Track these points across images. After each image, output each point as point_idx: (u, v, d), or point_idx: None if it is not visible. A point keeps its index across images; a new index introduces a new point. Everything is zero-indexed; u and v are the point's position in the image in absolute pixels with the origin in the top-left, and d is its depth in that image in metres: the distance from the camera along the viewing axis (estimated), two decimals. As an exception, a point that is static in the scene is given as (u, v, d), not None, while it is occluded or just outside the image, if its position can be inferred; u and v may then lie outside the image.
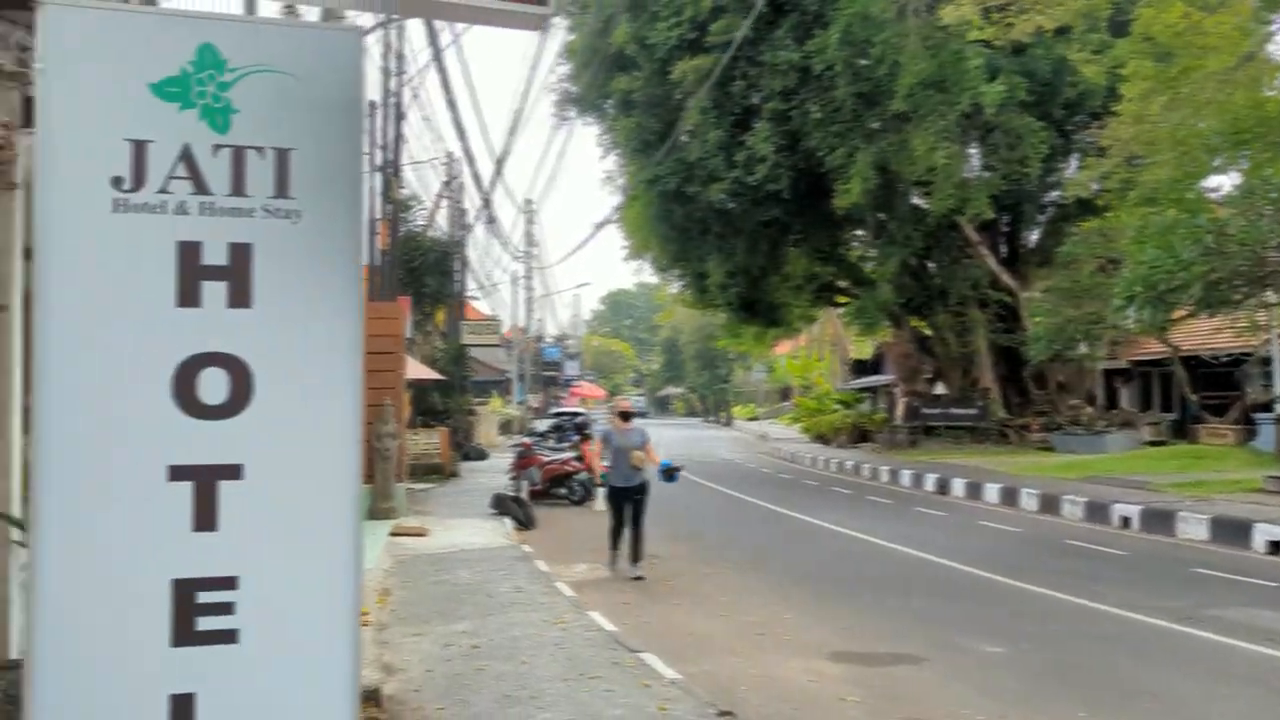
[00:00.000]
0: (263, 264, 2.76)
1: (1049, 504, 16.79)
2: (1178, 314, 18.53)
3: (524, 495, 17.27)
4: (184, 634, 2.64)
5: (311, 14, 12.32)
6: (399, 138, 22.88)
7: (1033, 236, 30.74)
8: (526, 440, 22.99)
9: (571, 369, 75.10)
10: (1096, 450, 23.94)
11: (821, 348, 55.08)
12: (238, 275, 2.73)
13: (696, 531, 15.01)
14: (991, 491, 18.73)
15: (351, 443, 2.81)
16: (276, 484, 2.74)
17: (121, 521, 2.62)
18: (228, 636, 2.68)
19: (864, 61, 23.62)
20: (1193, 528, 13.58)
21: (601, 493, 11.96)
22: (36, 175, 2.62)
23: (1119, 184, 19.17)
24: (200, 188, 2.73)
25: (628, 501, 10.96)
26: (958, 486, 20.04)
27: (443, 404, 27.94)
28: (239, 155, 2.76)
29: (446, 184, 32.54)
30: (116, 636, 2.60)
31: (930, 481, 21.24)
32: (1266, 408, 21.73)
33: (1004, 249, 30.17)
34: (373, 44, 21.15)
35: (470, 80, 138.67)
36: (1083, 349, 25.05)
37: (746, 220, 28.09)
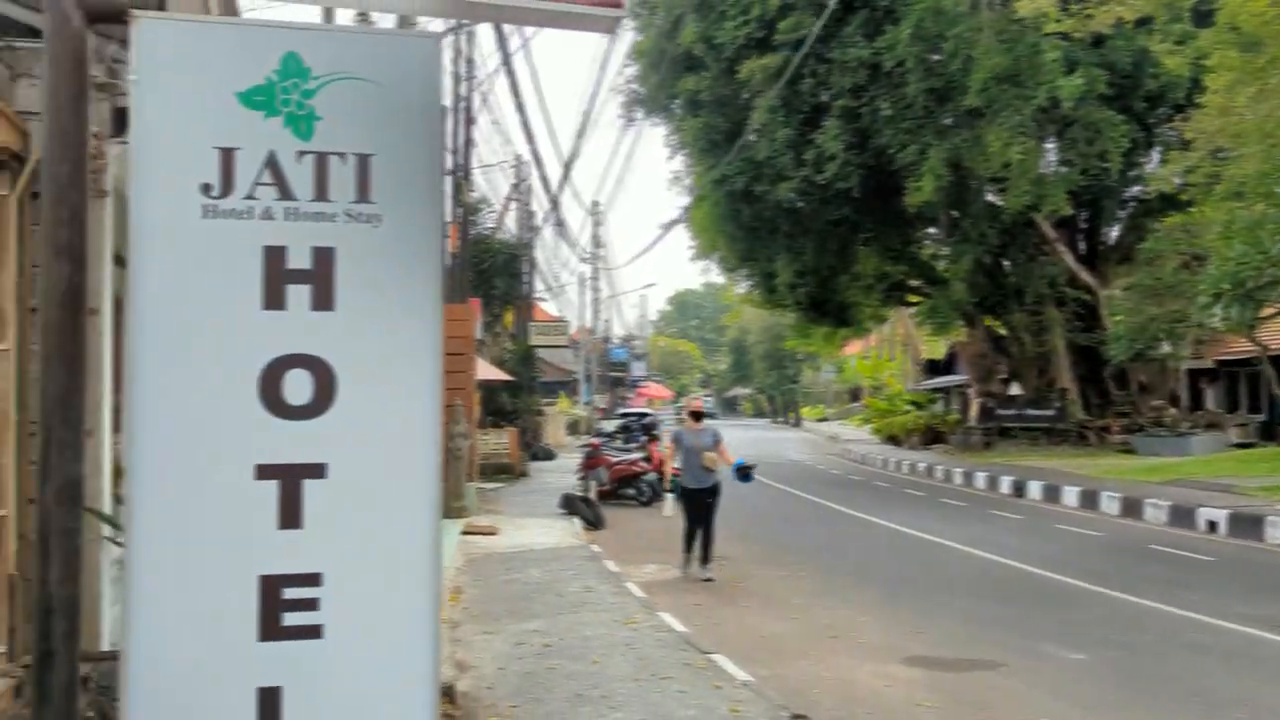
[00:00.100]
0: (345, 267, 2.81)
1: (1131, 507, 16.33)
2: (1266, 311, 17.90)
3: (592, 495, 17.37)
4: (271, 629, 2.71)
5: (386, 21, 12.55)
6: (469, 142, 23.18)
7: (1113, 233, 29.94)
8: (594, 440, 23.11)
9: (638, 370, 75.23)
10: (1180, 452, 23.22)
11: (892, 348, 54.35)
12: (321, 279, 2.80)
13: (767, 533, 14.93)
14: (1070, 494, 18.28)
15: (431, 442, 2.86)
16: (359, 483, 2.79)
17: (211, 519, 2.70)
18: (312, 632, 2.74)
19: (936, 57, 23.25)
20: (1284, 533, 13.10)
21: (670, 498, 11.57)
22: (130, 183, 2.71)
23: (1204, 178, 18.57)
24: (285, 193, 2.79)
25: (699, 503, 10.78)
26: (1034, 489, 19.61)
27: (511, 404, 28.22)
28: (322, 161, 2.82)
29: (515, 187, 32.87)
30: (207, 631, 2.67)
31: (1006, 484, 20.82)
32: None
33: (1082, 246, 29.43)
34: (443, 49, 21.42)
35: (538, 83, 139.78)
36: (1166, 348, 24.33)
37: (815, 219, 27.85)
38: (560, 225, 38.49)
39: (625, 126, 32.56)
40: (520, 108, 68.83)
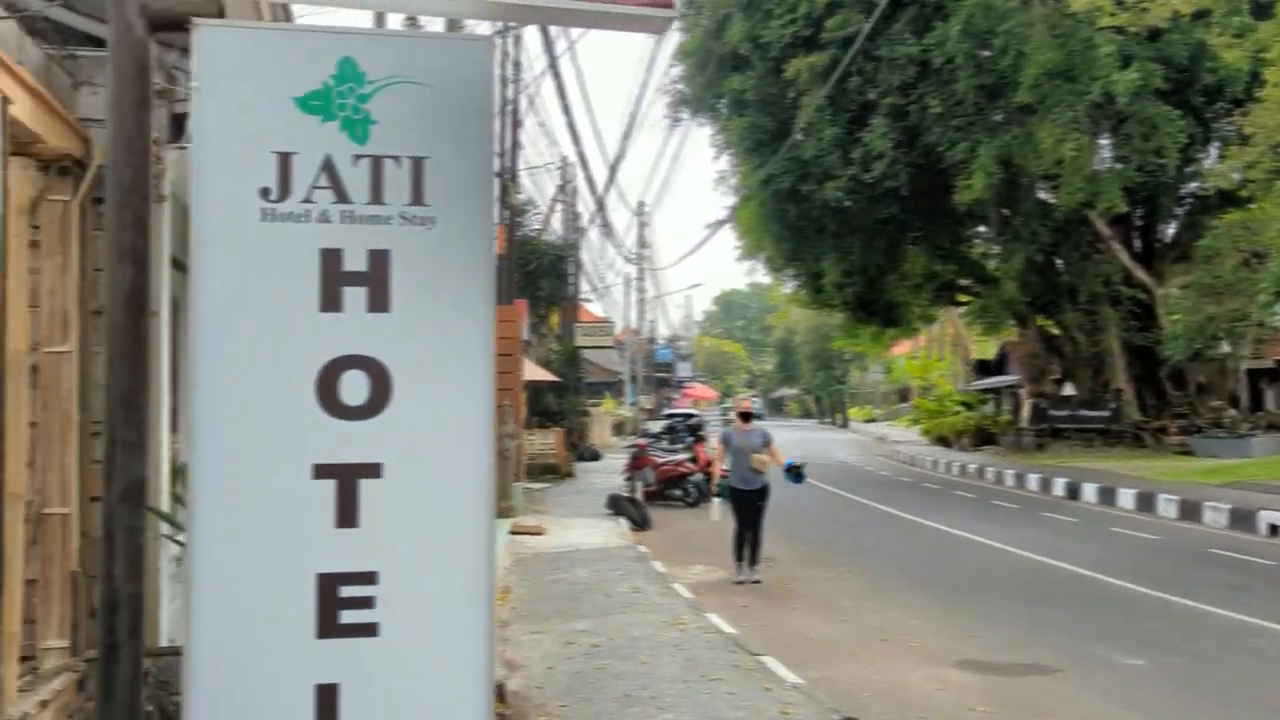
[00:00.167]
0: (400, 269, 2.85)
1: (1189, 510, 15.98)
2: (1331, 310, 17.42)
3: (638, 496, 17.38)
4: (328, 626, 2.75)
5: (435, 24, 12.67)
6: (515, 144, 23.32)
7: (1169, 230, 29.32)
8: (641, 441, 23.12)
9: (684, 370, 75.15)
10: (1240, 454, 22.67)
11: (941, 348, 53.72)
12: (376, 281, 2.83)
13: (815, 535, 14.83)
14: (1126, 497, 17.93)
15: (484, 442, 2.88)
16: (414, 482, 2.82)
17: (271, 517, 2.74)
18: (368, 630, 2.77)
19: (986, 53, 22.95)
20: (1350, 538, 12.74)
21: (718, 502, 11.28)
22: (191, 188, 2.76)
23: (1264, 174, 18.12)
24: (341, 197, 2.83)
25: (749, 505, 10.59)
26: (1089, 491, 19.26)
27: (557, 405, 28.34)
28: (377, 164, 2.85)
29: (561, 188, 33.02)
30: (267, 627, 2.72)
31: (1059, 486, 20.48)
32: None
33: (1138, 243, 28.86)
34: (494, 52, 21.56)
35: (584, 85, 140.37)
36: (1225, 348, 23.78)
37: (863, 218, 27.62)
38: (606, 226, 38.57)
39: (671, 127, 32.53)
40: (566, 109, 69.13)
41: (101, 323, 5.64)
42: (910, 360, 55.79)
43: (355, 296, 2.82)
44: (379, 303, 2.83)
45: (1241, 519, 14.68)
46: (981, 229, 30.62)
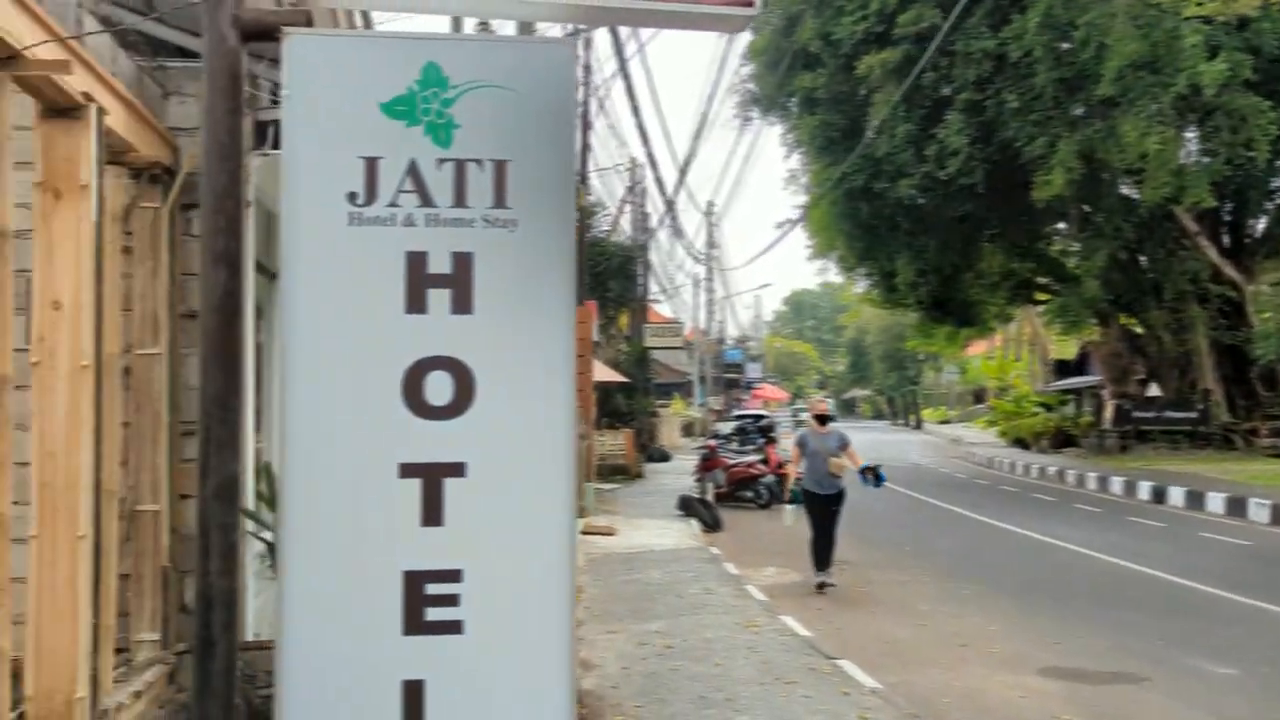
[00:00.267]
0: (483, 271, 2.88)
1: (1283, 516, 15.40)
2: None
3: (709, 497, 17.33)
4: (414, 623, 2.79)
5: (507, 28, 12.80)
6: (585, 146, 23.45)
7: (1259, 225, 28.25)
8: (711, 442, 23.05)
9: (753, 371, 74.71)
10: (1337, 458, 21.77)
11: (1019, 348, 52.59)
12: (460, 283, 2.87)
13: (889, 537, 14.62)
14: (1215, 501, 17.33)
15: (565, 443, 2.90)
16: (497, 482, 2.86)
17: (359, 515, 2.80)
18: (453, 627, 2.81)
19: (1066, 45, 22.40)
20: None
21: (791, 508, 10.83)
22: (281, 193, 2.83)
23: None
24: (426, 200, 2.88)
25: (825, 510, 10.30)
26: (1175, 495, 18.66)
27: (626, 406, 28.41)
28: (460, 168, 2.90)
29: (630, 189, 33.10)
30: (355, 624, 2.78)
31: (1144, 489, 19.89)
32: None
33: (1226, 239, 27.89)
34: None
35: (653, 85, 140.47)
36: (1319, 346, 22.83)
37: (938, 216, 27.17)
38: (675, 226, 38.55)
39: (741, 127, 32.40)
40: (635, 111, 69.22)
41: (189, 325, 5.84)
42: (986, 360, 54.71)
43: (439, 298, 2.87)
44: (462, 305, 2.87)
45: (1340, 525, 14.09)
46: (1061, 226, 29.90)
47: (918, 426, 68.32)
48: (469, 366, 2.86)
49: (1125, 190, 25.54)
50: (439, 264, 2.87)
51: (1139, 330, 30.18)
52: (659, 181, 59.71)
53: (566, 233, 2.96)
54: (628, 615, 8.73)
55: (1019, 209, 26.94)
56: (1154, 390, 30.04)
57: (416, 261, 2.86)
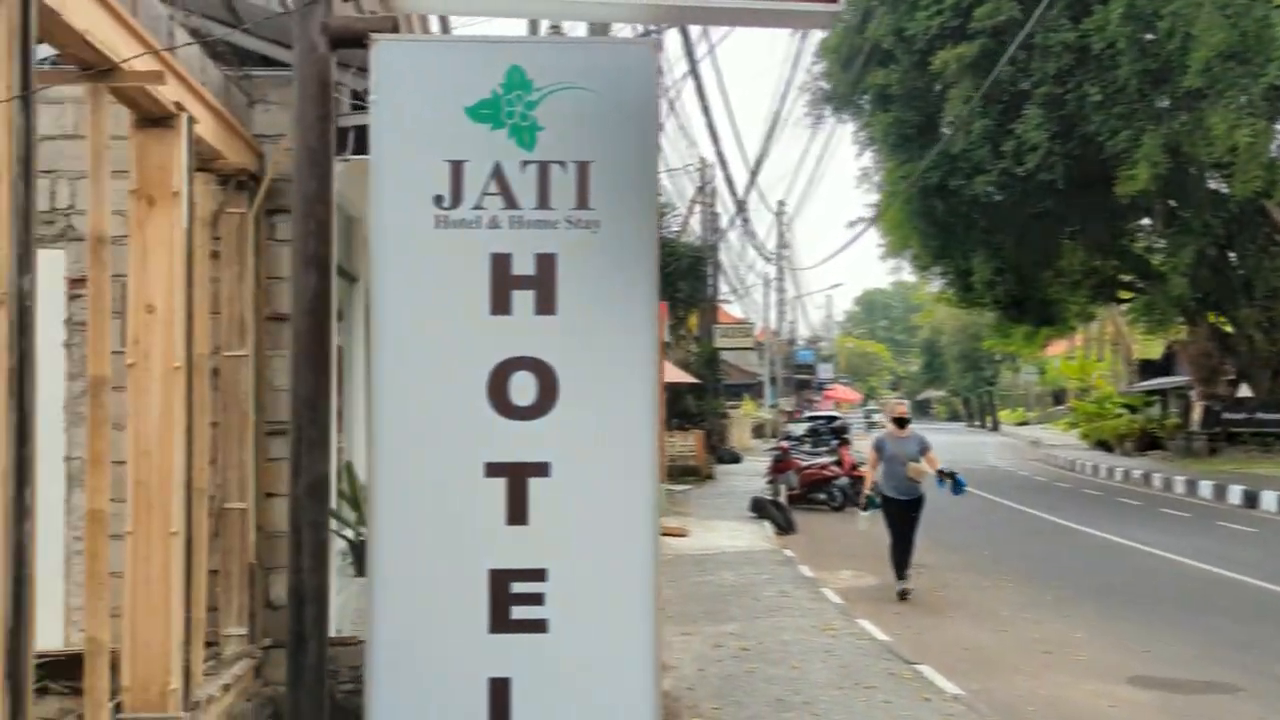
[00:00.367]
0: (566, 273, 2.90)
1: (1385, 522, 14.74)
2: None
3: (782, 499, 17.21)
4: (500, 621, 2.82)
5: (578, 29, 12.86)
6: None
7: (1357, 219, 27.11)
8: (783, 444, 22.89)
9: (825, 372, 73.95)
10: None
11: (1100, 347, 51.22)
12: (544, 284, 2.90)
13: (967, 541, 14.34)
14: (1312, 506, 16.68)
15: (649, 442, 2.91)
16: (580, 481, 2.87)
17: (446, 514, 2.84)
18: (538, 626, 2.83)
19: (1150, 36, 21.76)
20: None
21: (865, 514, 10.59)
22: (370, 198, 2.89)
23: None
24: (510, 202, 2.91)
25: (903, 515, 9.99)
26: (1269, 500, 17.97)
27: (697, 407, 28.34)
28: (544, 170, 2.92)
29: (700, 189, 33.02)
30: (442, 621, 2.82)
31: (1235, 494, 19.19)
32: None
33: (1321, 234, 26.81)
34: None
35: (723, 85, 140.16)
36: None
37: (1015, 213, 26.58)
38: (746, 224, 38.36)
39: (812, 125, 32.10)
40: (706, 110, 69.11)
41: (273, 328, 5.98)
42: (1066, 360, 53.38)
43: (524, 300, 2.89)
44: (546, 305, 2.89)
45: None
46: (1145, 222, 29.03)
47: (994, 428, 66.99)
48: (552, 367, 2.89)
49: (1213, 184, 24.70)
50: (523, 265, 2.90)
51: (1229, 329, 29.15)
52: (729, 181, 59.47)
53: (648, 233, 2.97)
54: (702, 617, 8.70)
55: (1101, 205, 26.21)
56: (1245, 391, 29.01)
57: (501, 263, 2.89)
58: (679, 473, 23.16)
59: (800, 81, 32.74)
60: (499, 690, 2.81)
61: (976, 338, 57.48)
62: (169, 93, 4.35)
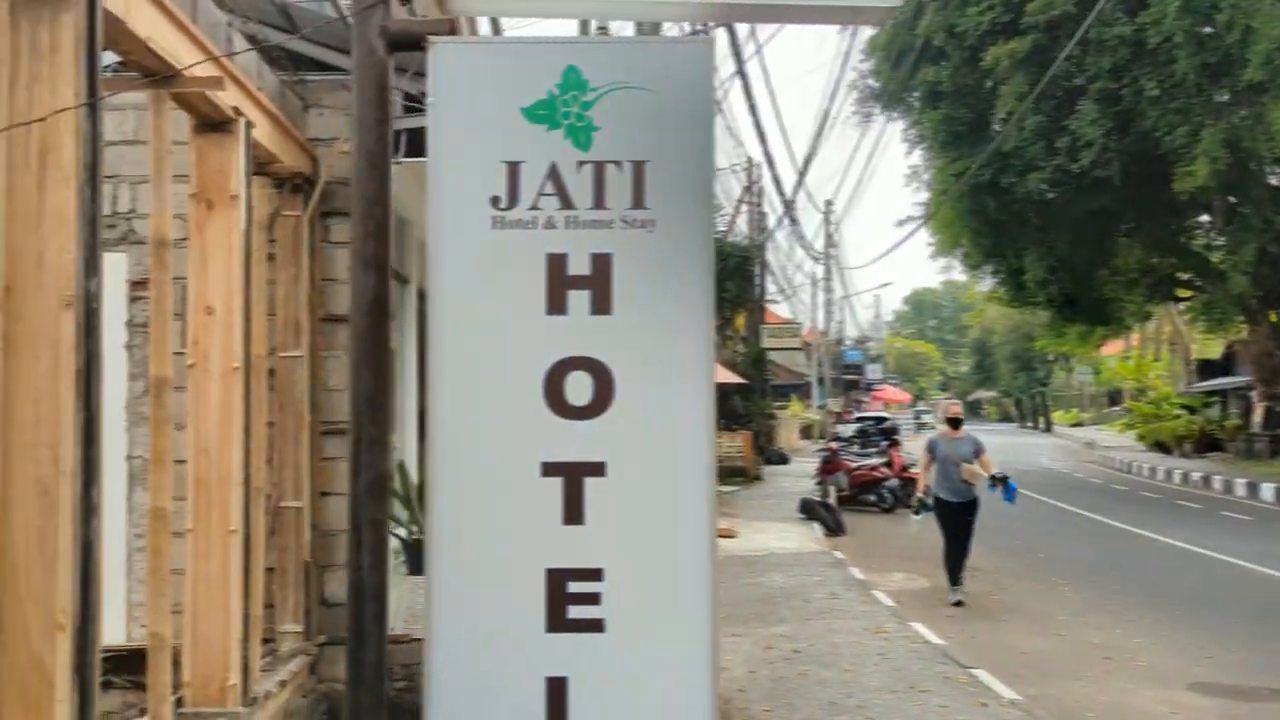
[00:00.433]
0: (621, 272, 2.90)
1: None
2: None
3: (831, 500, 17.08)
4: (556, 621, 2.83)
5: (625, 29, 12.87)
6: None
7: None
8: (832, 445, 22.72)
9: (873, 372, 73.26)
10: None
11: (1158, 347, 50.19)
12: (599, 284, 2.90)
13: (1021, 543, 14.12)
14: (1379, 510, 16.19)
15: (705, 443, 2.89)
16: (637, 481, 2.87)
17: (503, 513, 2.85)
18: (595, 625, 2.83)
19: (1209, 29, 21.27)
20: None
21: (916, 518, 10.43)
22: (428, 199, 2.91)
23: None
24: (566, 203, 2.91)
25: (957, 519, 9.79)
26: (1334, 503, 17.51)
27: (744, 408, 28.23)
28: (599, 170, 2.92)
29: (747, 189, 32.91)
30: (500, 620, 2.83)
31: (1299, 497, 18.72)
32: None
33: (1389, 230, 26.01)
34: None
35: (770, 85, 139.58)
36: None
37: (1069, 211, 26.13)
38: (794, 224, 38.14)
39: (860, 124, 31.82)
40: (753, 110, 68.75)
41: (328, 329, 6.06)
42: (1122, 360, 52.36)
43: (579, 299, 2.90)
44: (601, 305, 2.90)
45: None
46: (1204, 218, 28.38)
47: (1048, 429, 65.95)
48: (608, 366, 2.89)
49: (1275, 180, 24.09)
50: (578, 265, 2.90)
51: (1292, 328, 28.40)
52: (776, 181, 59.19)
53: (704, 232, 2.96)
54: (752, 618, 8.66)
55: (1158, 202, 25.67)
56: (1309, 392, 28.25)
57: (557, 263, 2.90)
58: (726, 473, 23.09)
59: (849, 79, 32.38)
60: (556, 689, 2.81)
61: (1029, 337, 56.59)
62: (227, 98, 4.43)
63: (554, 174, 2.91)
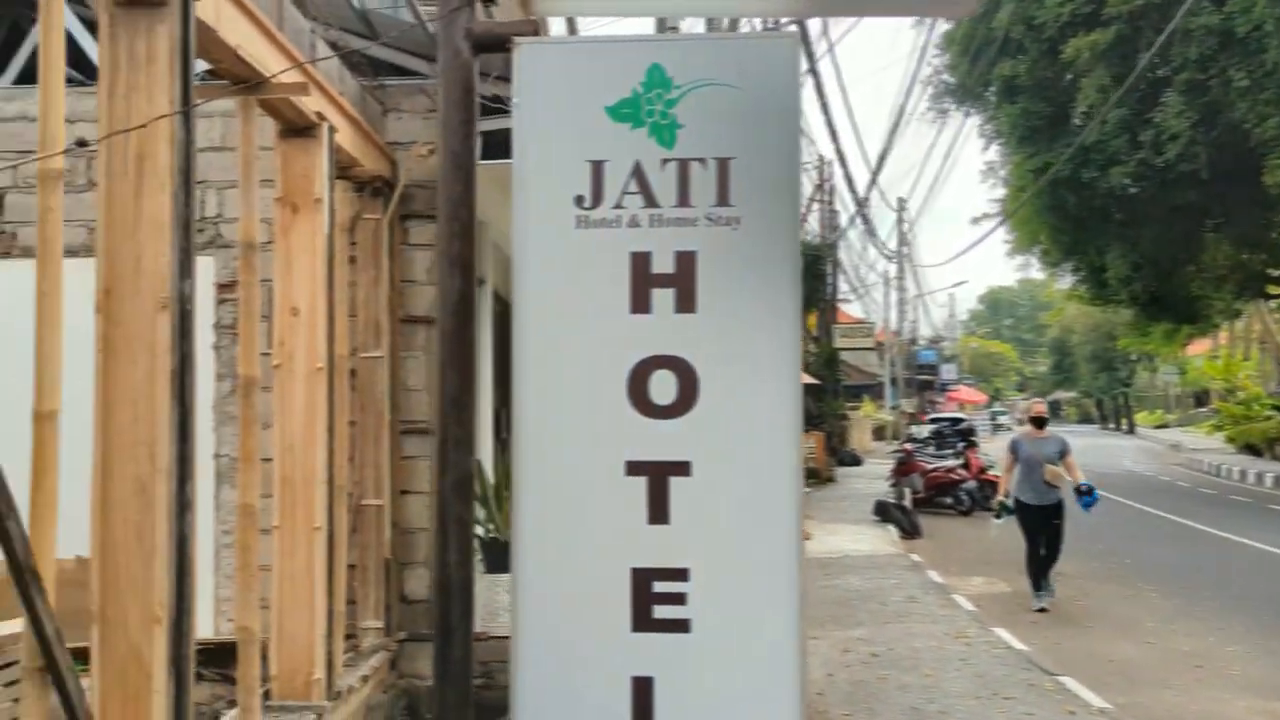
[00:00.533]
0: (706, 270, 2.88)
1: None
2: None
3: (907, 503, 16.82)
4: (642, 621, 2.82)
5: (696, 24, 12.80)
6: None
7: None
8: (907, 446, 22.37)
9: (948, 373, 71.97)
10: None
11: (1247, 346, 48.44)
12: (683, 282, 2.88)
13: (1107, 548, 13.71)
14: None
15: (792, 442, 2.86)
16: (722, 481, 2.85)
17: (588, 511, 2.85)
18: (681, 625, 2.82)
19: (1302, 16, 20.44)
20: None
21: (997, 522, 10.12)
22: (514, 199, 2.92)
23: None
24: (649, 201, 2.91)
25: (1040, 522, 9.45)
26: None
27: (816, 408, 27.96)
28: (684, 168, 2.91)
29: (818, 187, 32.60)
30: (586, 620, 2.83)
31: (1402, 502, 17.89)
32: None
33: None
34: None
35: (841, 82, 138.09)
36: None
37: (1154, 206, 25.34)
38: (866, 223, 37.69)
39: (935, 120, 31.30)
40: (824, 108, 68.03)
41: (407, 329, 6.15)
42: (1209, 360, 50.65)
43: (663, 298, 2.89)
44: (686, 304, 2.88)
45: None
46: (1298, 212, 27.32)
47: (1130, 431, 64.09)
48: (693, 365, 2.87)
49: (1375, 171, 23.04)
50: (662, 264, 2.89)
51: (1393, 325, 27.19)
52: (848, 179, 58.51)
53: (791, 229, 2.92)
54: (829, 621, 8.56)
55: (1248, 196, 24.74)
56: None
57: (641, 262, 2.89)
58: (799, 475, 22.89)
59: (923, 75, 31.90)
60: (642, 689, 2.80)
61: (1110, 336, 55.08)
62: (311, 103, 4.51)
63: (638, 172, 2.90)
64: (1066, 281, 35.14)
